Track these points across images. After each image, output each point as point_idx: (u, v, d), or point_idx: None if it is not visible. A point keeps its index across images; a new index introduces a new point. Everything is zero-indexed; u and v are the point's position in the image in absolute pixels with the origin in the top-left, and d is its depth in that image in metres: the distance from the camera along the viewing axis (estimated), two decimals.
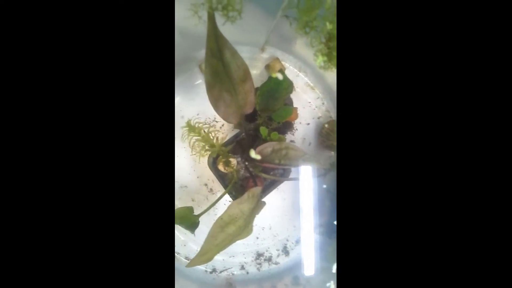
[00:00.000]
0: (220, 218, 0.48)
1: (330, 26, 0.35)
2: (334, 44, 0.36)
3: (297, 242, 0.73)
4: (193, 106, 0.70)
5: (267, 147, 0.58)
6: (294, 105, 0.72)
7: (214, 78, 0.44)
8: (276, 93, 0.57)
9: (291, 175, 0.66)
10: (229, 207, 0.49)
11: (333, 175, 0.63)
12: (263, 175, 0.61)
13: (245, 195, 0.50)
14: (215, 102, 0.47)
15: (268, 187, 0.64)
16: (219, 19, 0.36)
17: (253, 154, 0.47)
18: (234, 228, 0.49)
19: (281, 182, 0.64)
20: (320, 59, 0.38)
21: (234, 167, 0.60)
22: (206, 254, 0.46)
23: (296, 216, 0.73)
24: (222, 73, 0.44)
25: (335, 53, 0.36)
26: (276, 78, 0.57)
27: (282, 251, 0.72)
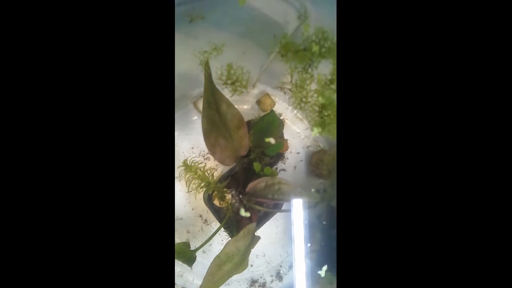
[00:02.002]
0: (218, 256, 0.51)
1: (323, 100, 0.38)
2: (328, 112, 0.39)
3: (290, 267, 0.75)
4: (188, 141, 0.72)
5: (261, 182, 0.62)
6: (285, 136, 0.76)
7: (211, 126, 0.47)
8: (268, 131, 0.61)
9: (284, 207, 0.69)
10: (225, 246, 0.52)
11: (323, 206, 0.66)
12: (257, 207, 0.64)
13: (241, 233, 0.53)
14: (212, 147, 0.50)
15: (262, 219, 0.67)
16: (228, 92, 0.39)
17: (242, 212, 0.51)
18: (231, 265, 0.51)
19: (274, 213, 0.67)
20: (315, 131, 0.42)
21: (229, 202, 0.62)
22: None
23: (289, 242, 0.76)
24: (218, 122, 0.47)
25: (328, 121, 0.40)
26: (268, 117, 0.60)
27: (276, 276, 0.75)
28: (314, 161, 0.77)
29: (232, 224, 0.63)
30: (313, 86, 0.41)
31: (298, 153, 0.79)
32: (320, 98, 0.39)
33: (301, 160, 0.78)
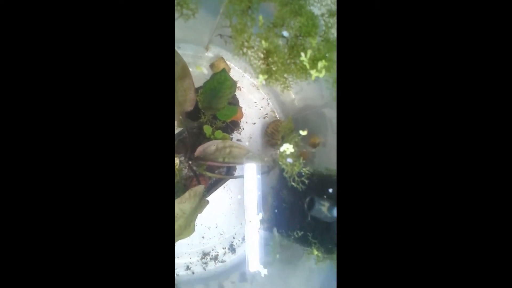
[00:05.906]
0: None
1: (266, 43, 0.36)
2: (272, 59, 0.37)
3: (244, 239, 0.74)
4: None
5: (211, 145, 0.59)
6: (240, 105, 0.73)
7: None
8: (220, 92, 0.58)
9: (236, 173, 0.67)
10: None
11: (276, 172, 0.65)
12: (208, 173, 0.61)
13: (186, 194, 0.50)
14: None
15: (213, 186, 0.64)
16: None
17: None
18: (175, 227, 0.48)
19: (226, 180, 0.65)
20: (261, 79, 0.39)
21: (177, 167, 0.59)
22: None
23: (243, 213, 0.74)
24: None
25: (275, 68, 0.38)
26: (219, 77, 0.57)
27: (229, 249, 0.73)
28: (269, 131, 0.75)
29: (180, 190, 0.60)
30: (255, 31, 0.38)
31: (254, 123, 0.77)
32: (263, 43, 0.37)
33: (251, 138, 0.76)
